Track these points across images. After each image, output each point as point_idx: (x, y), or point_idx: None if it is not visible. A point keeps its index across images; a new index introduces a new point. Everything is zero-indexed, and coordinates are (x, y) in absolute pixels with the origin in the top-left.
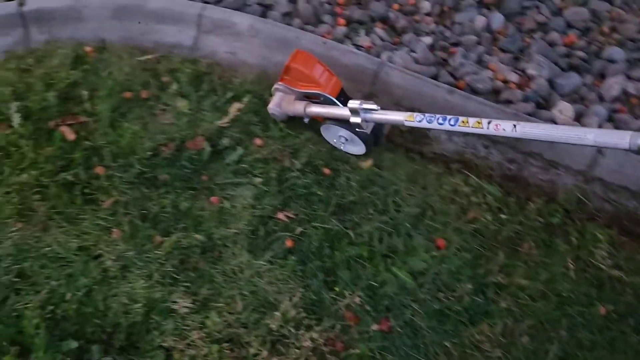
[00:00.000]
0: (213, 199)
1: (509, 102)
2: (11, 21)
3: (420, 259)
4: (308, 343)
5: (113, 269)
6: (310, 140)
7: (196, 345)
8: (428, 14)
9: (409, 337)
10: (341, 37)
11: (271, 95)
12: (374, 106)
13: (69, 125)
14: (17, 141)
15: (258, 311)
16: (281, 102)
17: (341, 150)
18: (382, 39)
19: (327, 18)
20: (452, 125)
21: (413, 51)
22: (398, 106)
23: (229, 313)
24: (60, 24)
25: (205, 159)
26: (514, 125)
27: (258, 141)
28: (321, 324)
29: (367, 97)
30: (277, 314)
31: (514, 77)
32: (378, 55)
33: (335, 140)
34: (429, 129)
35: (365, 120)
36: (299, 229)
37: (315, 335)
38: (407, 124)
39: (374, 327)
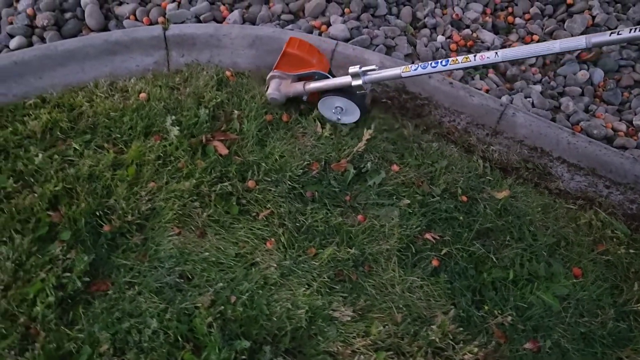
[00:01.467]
0: (360, 217)
1: (624, 147)
2: (155, 43)
3: (562, 285)
4: (468, 356)
5: (273, 276)
6: (445, 168)
7: (361, 352)
8: (532, 65)
9: (558, 358)
10: (459, 80)
11: (266, 84)
12: (372, 67)
13: (221, 140)
14: (174, 152)
15: (415, 324)
16: (279, 87)
17: (337, 121)
18: (496, 85)
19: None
20: (444, 65)
21: (527, 97)
22: (522, 145)
23: (389, 324)
24: (200, 48)
25: (348, 180)
26: (496, 53)
27: (395, 167)
28: (476, 339)
29: (492, 134)
30: (434, 327)
31: (622, 127)
32: (499, 98)
33: (333, 112)
34: (429, 75)
35: (364, 82)
36: (444, 250)
37: (474, 349)
38: (404, 75)
39: (525, 346)
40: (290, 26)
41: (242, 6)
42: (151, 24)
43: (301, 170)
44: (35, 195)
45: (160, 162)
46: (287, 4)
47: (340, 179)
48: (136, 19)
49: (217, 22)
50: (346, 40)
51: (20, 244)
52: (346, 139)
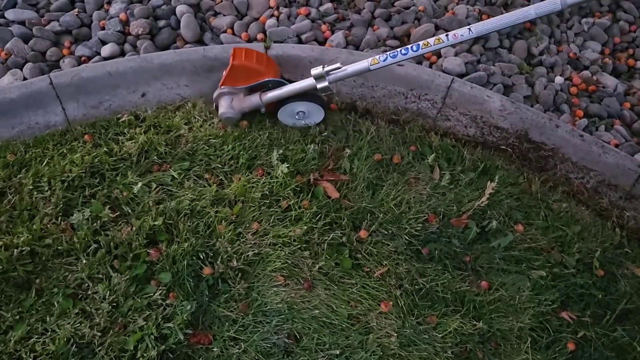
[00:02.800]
0: (484, 283)
1: None
2: None
3: None
4: None
5: (392, 346)
6: (578, 235)
7: None
8: None
9: None
10: (582, 129)
11: (215, 103)
12: (336, 65)
13: (330, 181)
14: (280, 190)
15: None
16: (232, 104)
17: (303, 125)
18: (625, 139)
19: (564, 107)
20: (415, 51)
21: None
22: None
23: None
24: (302, 71)
25: (469, 238)
26: (469, 29)
27: (520, 227)
28: None
29: (626, 198)
30: None
31: None
32: (632, 156)
33: (296, 118)
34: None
35: (330, 82)
36: (581, 332)
37: None
38: (372, 68)
39: None
40: None
41: (344, 27)
42: (249, 40)
43: (420, 225)
44: (133, 228)
45: (265, 201)
46: (392, 28)
47: (461, 237)
48: (234, 34)
49: (318, 42)
50: (461, 76)
51: (118, 284)
52: (466, 191)
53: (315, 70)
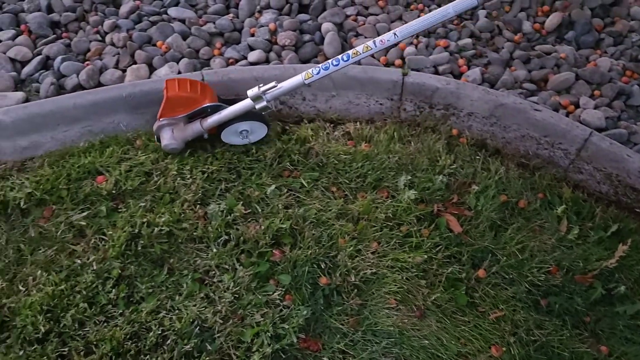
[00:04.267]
0: (603, 348)
1: None
2: (391, 87)
3: None
4: None
5: None
6: None
7: None
8: None
9: None
10: None
11: (156, 136)
12: (272, 84)
13: (454, 215)
14: (403, 215)
15: None
16: (173, 134)
17: (247, 143)
18: None
19: None
20: (345, 60)
21: None
22: None
23: None
24: (435, 103)
25: (593, 298)
26: (394, 34)
27: None
28: None
29: None
30: None
31: None
32: None
33: (240, 138)
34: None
35: (268, 100)
36: None
37: None
38: (307, 82)
39: None
40: (535, 98)
41: (481, 63)
42: (387, 64)
43: (542, 275)
44: (261, 227)
45: (388, 223)
46: (530, 71)
47: (584, 295)
48: (373, 56)
49: (454, 75)
50: (599, 130)
51: (242, 277)
52: (594, 249)
53: (252, 92)
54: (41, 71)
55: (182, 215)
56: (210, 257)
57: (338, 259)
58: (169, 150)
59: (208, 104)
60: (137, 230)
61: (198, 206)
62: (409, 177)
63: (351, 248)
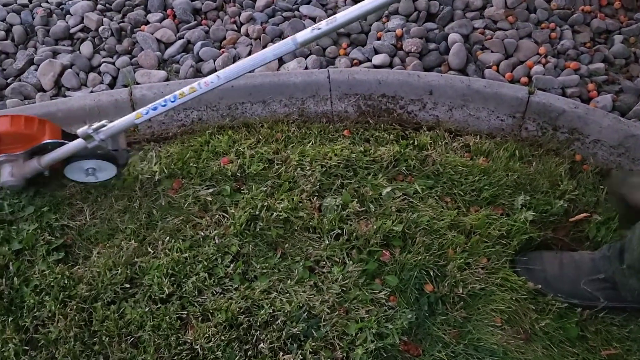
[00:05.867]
0: None
1: None
2: (515, 105)
3: None
4: None
5: None
6: None
7: None
8: None
9: None
10: None
11: None
12: (102, 122)
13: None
14: (516, 234)
15: None
16: (13, 171)
17: (95, 181)
18: None
19: None
20: (172, 101)
21: None
22: None
23: None
24: (560, 125)
25: None
26: (217, 76)
27: None
28: None
29: None
30: None
31: None
32: None
33: (85, 177)
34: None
35: (102, 139)
36: None
37: None
38: (137, 121)
39: None
40: None
41: (613, 90)
42: (512, 80)
43: None
44: (373, 226)
45: (501, 240)
46: None
47: None
48: (498, 71)
49: (582, 99)
50: None
51: (350, 272)
52: None
53: (81, 130)
54: (182, 54)
55: (300, 204)
56: (322, 248)
57: (447, 269)
58: (8, 187)
59: (48, 141)
60: (256, 213)
61: (315, 198)
62: (527, 198)
63: (461, 260)
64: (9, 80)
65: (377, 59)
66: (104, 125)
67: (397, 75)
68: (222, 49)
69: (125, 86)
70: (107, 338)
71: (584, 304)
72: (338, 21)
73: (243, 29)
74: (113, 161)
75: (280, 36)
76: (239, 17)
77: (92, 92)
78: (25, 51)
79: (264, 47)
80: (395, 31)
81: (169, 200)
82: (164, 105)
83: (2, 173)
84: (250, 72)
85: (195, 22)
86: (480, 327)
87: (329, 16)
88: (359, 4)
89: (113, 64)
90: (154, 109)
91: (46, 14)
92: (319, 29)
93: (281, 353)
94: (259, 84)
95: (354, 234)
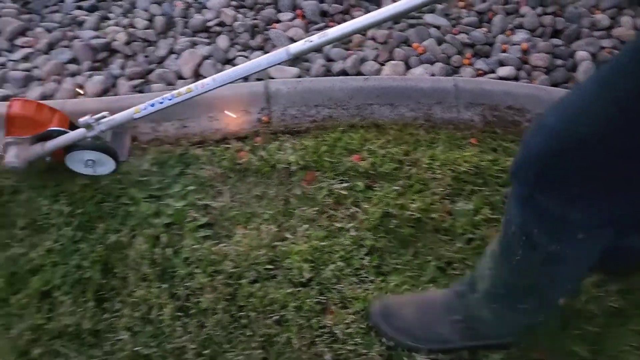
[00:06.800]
0: None
1: None
2: None
3: None
4: None
5: None
6: None
7: None
8: None
9: None
10: None
11: (2, 152)
12: (103, 114)
13: None
14: None
15: None
16: (18, 153)
17: (93, 174)
18: None
19: None
20: (170, 100)
21: None
22: None
23: None
24: None
25: None
26: (213, 79)
27: None
28: None
29: None
30: None
31: None
32: None
33: (84, 168)
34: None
35: (102, 130)
36: None
37: None
38: (136, 116)
39: None
40: None
41: None
42: None
43: None
44: None
45: None
46: None
47: None
48: None
49: None
50: None
51: None
52: None
53: (83, 119)
54: (312, 52)
55: (432, 206)
56: (454, 250)
57: (583, 284)
58: (10, 167)
59: (53, 129)
60: (389, 210)
61: (446, 201)
62: None
63: (595, 278)
64: (151, 67)
65: (503, 71)
66: (104, 117)
67: (525, 89)
68: (349, 51)
69: (259, 79)
70: (254, 313)
71: (443, 347)
72: (329, 36)
73: (369, 33)
74: (113, 156)
75: (406, 42)
76: None
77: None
78: (166, 40)
79: (390, 52)
80: (520, 45)
81: (303, 191)
82: (162, 103)
83: (8, 153)
84: (243, 78)
85: (323, 23)
86: (616, 346)
87: (453, 27)
88: (349, 22)
89: (247, 57)
90: (152, 105)
91: (185, 7)
92: (310, 41)
93: None
94: (388, 86)
95: (486, 240)
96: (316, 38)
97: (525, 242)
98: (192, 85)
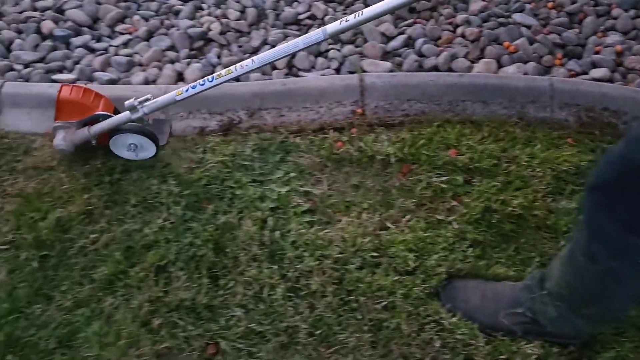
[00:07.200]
0: None
1: None
2: None
3: None
4: None
5: None
6: None
7: None
8: None
9: None
10: None
11: (52, 136)
12: (146, 97)
13: None
14: None
15: None
16: (65, 136)
17: (136, 158)
18: None
19: None
20: (210, 81)
21: None
22: None
23: None
24: None
25: None
26: (252, 60)
27: None
28: None
29: None
30: None
31: None
32: None
33: (127, 151)
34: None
35: (145, 113)
36: None
37: None
38: (178, 98)
39: None
40: None
41: None
42: None
43: None
44: None
45: None
46: None
47: None
48: None
49: None
50: None
51: None
52: None
53: (128, 102)
54: (404, 48)
55: (534, 203)
56: (557, 248)
57: None
58: (59, 151)
59: (99, 113)
60: (491, 205)
61: (548, 199)
62: None
63: None
64: (245, 56)
65: (597, 73)
66: (148, 100)
67: (622, 91)
68: (440, 47)
69: (352, 72)
70: (363, 298)
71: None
72: (365, 15)
73: (459, 30)
74: (154, 140)
75: (496, 40)
76: (454, 18)
77: (322, 75)
78: (258, 32)
79: (482, 50)
80: (614, 47)
81: (401, 183)
82: (202, 85)
83: (56, 137)
84: (281, 58)
85: (412, 19)
86: None
87: (543, 27)
88: (385, 1)
89: (339, 50)
90: (193, 87)
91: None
92: (347, 21)
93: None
94: (482, 83)
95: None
96: (352, 17)
97: (587, 253)
98: (231, 67)
